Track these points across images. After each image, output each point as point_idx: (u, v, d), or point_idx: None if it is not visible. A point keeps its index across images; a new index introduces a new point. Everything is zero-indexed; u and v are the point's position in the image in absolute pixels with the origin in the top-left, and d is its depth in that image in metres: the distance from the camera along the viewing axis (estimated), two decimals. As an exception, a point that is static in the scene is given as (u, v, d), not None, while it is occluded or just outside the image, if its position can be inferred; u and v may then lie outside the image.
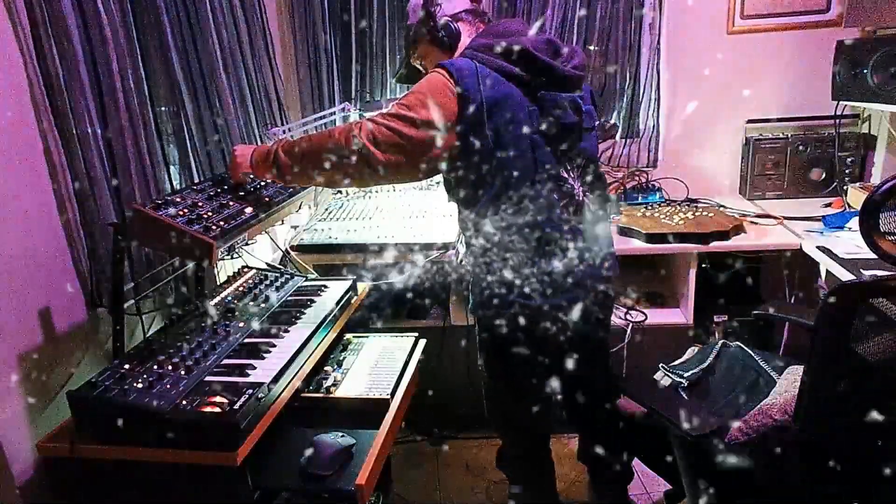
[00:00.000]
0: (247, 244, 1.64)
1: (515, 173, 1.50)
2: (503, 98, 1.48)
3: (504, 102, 1.48)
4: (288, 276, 1.95)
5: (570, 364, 1.64)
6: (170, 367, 1.36)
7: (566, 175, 1.59)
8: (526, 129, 1.51)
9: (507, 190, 1.52)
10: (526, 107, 1.52)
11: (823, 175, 2.74)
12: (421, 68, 1.73)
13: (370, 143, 1.43)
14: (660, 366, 1.94)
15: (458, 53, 1.61)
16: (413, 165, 1.48)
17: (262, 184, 1.74)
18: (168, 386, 1.29)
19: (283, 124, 2.39)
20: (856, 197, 2.51)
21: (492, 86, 1.47)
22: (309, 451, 1.42)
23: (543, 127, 1.52)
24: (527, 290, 1.56)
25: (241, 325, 1.61)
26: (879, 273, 1.80)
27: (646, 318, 2.45)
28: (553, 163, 1.55)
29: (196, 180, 1.90)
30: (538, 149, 1.53)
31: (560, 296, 1.57)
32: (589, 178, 1.64)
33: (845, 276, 1.93)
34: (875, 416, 1.24)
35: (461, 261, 1.76)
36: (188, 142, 1.91)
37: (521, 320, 1.57)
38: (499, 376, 1.75)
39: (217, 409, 1.22)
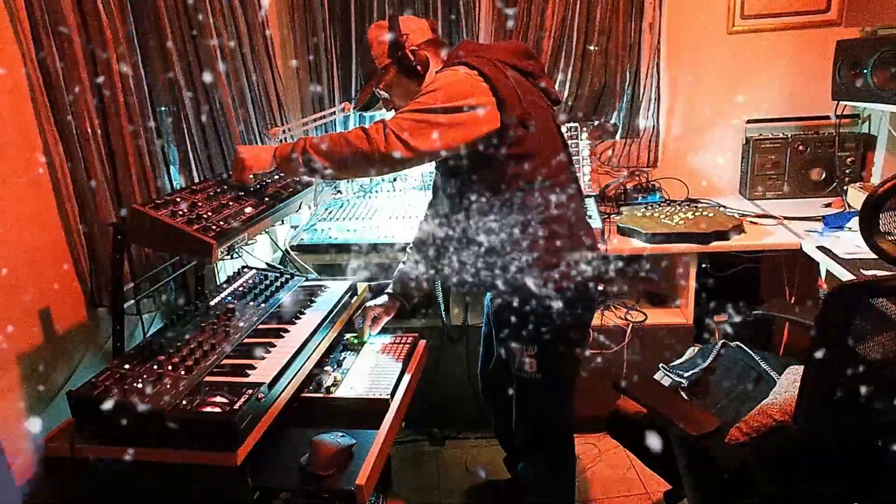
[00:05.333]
0: (247, 244, 1.64)
1: (549, 153, 1.59)
2: (524, 84, 1.58)
3: (521, 84, 1.58)
4: (288, 276, 1.95)
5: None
6: (170, 367, 1.36)
7: (572, 165, 1.71)
8: (543, 110, 1.62)
9: (549, 173, 1.58)
10: (534, 89, 1.63)
11: (823, 175, 2.74)
12: (387, 96, 1.76)
13: (407, 135, 1.45)
14: (660, 366, 1.94)
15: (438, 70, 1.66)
16: (448, 147, 1.51)
17: (263, 184, 1.75)
18: (168, 386, 1.29)
19: (283, 124, 2.39)
20: (856, 197, 2.50)
21: (506, 70, 1.55)
22: (309, 451, 1.42)
23: (555, 109, 1.67)
24: (580, 275, 1.61)
25: (241, 325, 1.61)
26: (879, 273, 1.80)
27: (646, 318, 2.45)
28: (565, 141, 1.70)
29: (196, 180, 1.90)
30: (558, 131, 1.68)
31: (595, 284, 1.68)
32: None
33: (845, 276, 1.93)
34: (875, 415, 1.24)
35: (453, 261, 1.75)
36: (188, 142, 1.91)
37: (582, 305, 1.64)
38: (563, 370, 1.73)
39: (217, 409, 1.22)
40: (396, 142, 1.45)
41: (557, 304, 1.59)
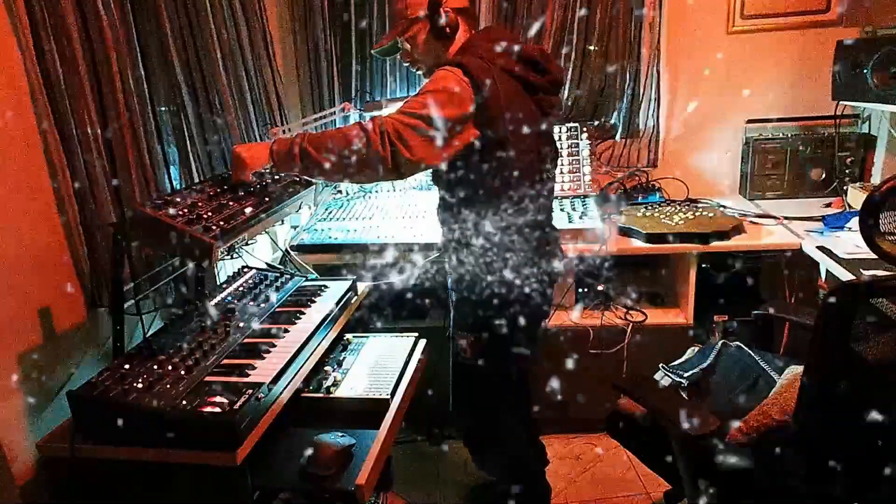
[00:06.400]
0: (247, 244, 1.64)
1: (521, 171, 1.60)
2: (514, 95, 1.58)
3: (515, 100, 1.58)
4: (288, 276, 1.95)
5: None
6: (170, 367, 1.36)
7: (552, 175, 1.73)
8: (531, 128, 1.60)
9: (514, 187, 1.60)
10: (530, 106, 1.62)
11: (823, 175, 2.74)
12: (409, 48, 1.75)
13: (400, 143, 1.49)
14: (660, 366, 1.94)
15: (456, 49, 1.68)
16: (436, 162, 1.56)
17: (263, 184, 1.74)
18: (168, 386, 1.29)
19: (283, 124, 2.39)
20: (856, 197, 2.51)
21: (504, 83, 1.55)
22: (309, 451, 1.42)
23: (543, 126, 1.59)
24: (527, 288, 1.66)
25: (241, 325, 1.61)
26: (879, 273, 1.80)
27: (646, 318, 2.45)
28: (547, 162, 1.68)
29: (196, 180, 1.90)
30: (540, 148, 1.66)
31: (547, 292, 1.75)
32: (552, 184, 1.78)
33: (845, 276, 1.93)
34: (874, 416, 1.24)
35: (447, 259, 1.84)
36: (188, 142, 1.90)
37: (522, 314, 1.69)
38: (496, 361, 1.80)
39: (217, 409, 1.22)
40: (388, 146, 1.48)
41: (501, 301, 1.67)
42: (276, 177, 1.80)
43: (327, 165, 1.52)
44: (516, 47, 1.59)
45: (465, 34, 1.70)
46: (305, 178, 1.74)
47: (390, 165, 1.50)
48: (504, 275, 1.66)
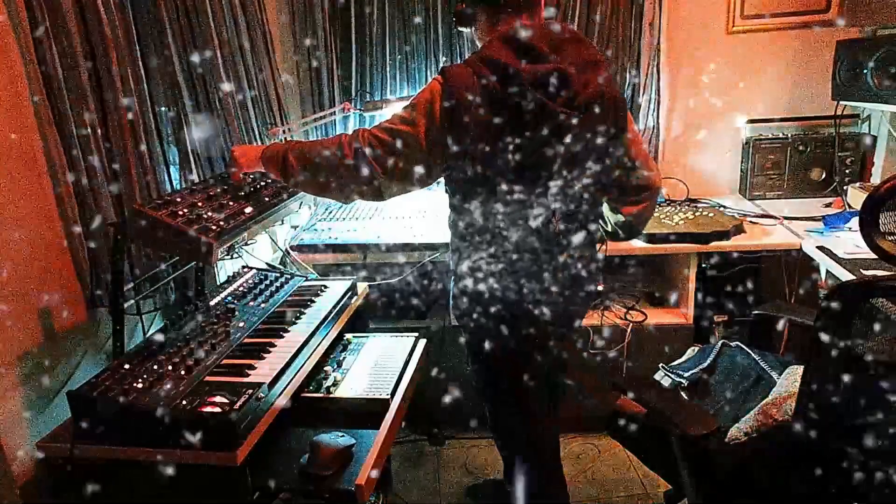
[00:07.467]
0: (247, 244, 1.64)
1: (490, 194, 1.51)
2: (490, 121, 1.45)
3: (491, 125, 1.45)
4: (288, 276, 1.95)
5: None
6: (170, 367, 1.36)
7: (539, 203, 1.54)
8: (505, 156, 1.47)
9: (476, 208, 1.54)
10: (511, 133, 1.47)
11: (823, 175, 2.74)
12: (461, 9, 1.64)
13: (376, 163, 1.45)
14: (660, 366, 1.94)
15: (483, 45, 1.56)
16: (417, 184, 1.53)
17: (263, 184, 1.75)
18: (168, 386, 1.29)
19: (283, 124, 2.40)
20: (856, 197, 2.50)
21: (484, 107, 1.43)
22: (309, 451, 1.42)
23: (519, 156, 1.47)
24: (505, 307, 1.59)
25: (241, 325, 1.61)
26: (879, 273, 1.80)
27: (646, 318, 2.45)
28: (528, 190, 1.51)
29: (196, 180, 1.90)
30: (516, 175, 1.50)
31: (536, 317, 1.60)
32: (566, 210, 1.58)
33: (845, 276, 1.93)
34: (875, 416, 1.24)
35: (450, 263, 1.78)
36: (188, 142, 1.91)
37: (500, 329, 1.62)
38: (481, 371, 1.78)
39: (217, 410, 1.22)
40: (365, 166, 1.44)
41: (474, 312, 1.62)
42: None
43: (308, 180, 1.51)
44: (517, 86, 1.42)
45: (485, 27, 1.58)
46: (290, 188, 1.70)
47: (367, 186, 1.47)
48: (477, 289, 1.61)
